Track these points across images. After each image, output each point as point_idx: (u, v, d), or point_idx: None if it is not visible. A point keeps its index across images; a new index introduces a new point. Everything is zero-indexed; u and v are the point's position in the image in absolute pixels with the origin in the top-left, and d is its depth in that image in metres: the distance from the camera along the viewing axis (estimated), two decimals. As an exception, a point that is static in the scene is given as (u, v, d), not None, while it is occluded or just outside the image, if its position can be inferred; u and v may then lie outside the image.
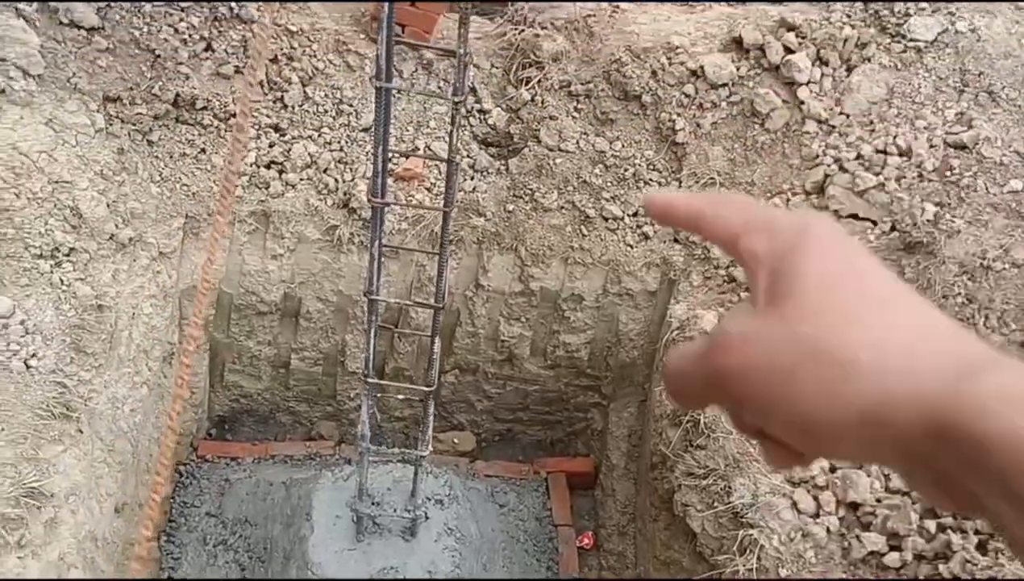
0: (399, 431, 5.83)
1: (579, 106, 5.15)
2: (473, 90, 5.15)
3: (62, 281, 4.24)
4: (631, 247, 5.16)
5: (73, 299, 4.23)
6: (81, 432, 3.98)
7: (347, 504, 4.13)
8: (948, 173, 4.51)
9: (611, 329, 5.36)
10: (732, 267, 4.89)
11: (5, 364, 3.84)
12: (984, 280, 4.12)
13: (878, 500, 3.67)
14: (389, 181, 5.18)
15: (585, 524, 5.47)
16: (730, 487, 3.95)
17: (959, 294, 4.15)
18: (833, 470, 3.82)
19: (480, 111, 5.23)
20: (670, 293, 5.09)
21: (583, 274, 5.22)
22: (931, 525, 3.48)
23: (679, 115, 5.03)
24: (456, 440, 5.79)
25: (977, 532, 3.40)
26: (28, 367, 3.90)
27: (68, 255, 4.34)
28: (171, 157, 4.90)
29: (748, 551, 3.72)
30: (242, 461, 5.28)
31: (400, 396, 4.47)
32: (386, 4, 2.52)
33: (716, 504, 3.96)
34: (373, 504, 4.18)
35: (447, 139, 4.64)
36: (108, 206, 4.56)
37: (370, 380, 3.68)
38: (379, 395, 4.17)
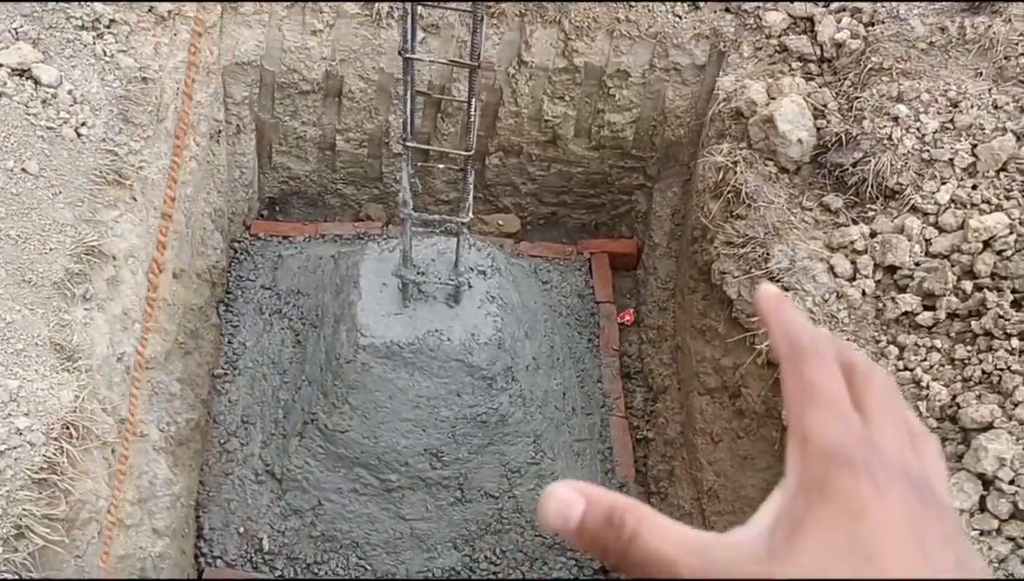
0: (446, 213, 5.91)
1: None
2: None
3: (105, 52, 4.26)
4: (680, 18, 4.96)
5: (117, 70, 4.26)
6: (135, 200, 4.12)
7: (392, 272, 4.26)
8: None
9: (657, 106, 5.25)
10: (784, 36, 4.69)
11: (57, 131, 3.93)
12: (1051, 40, 3.90)
13: (916, 263, 3.67)
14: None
15: (627, 302, 5.59)
16: (768, 254, 3.96)
17: (1022, 54, 3.95)
18: (873, 235, 3.81)
19: None
20: (719, 67, 4.93)
21: (629, 48, 5.06)
22: (968, 285, 3.48)
23: None
24: (501, 222, 5.86)
25: (1015, 290, 3.39)
26: (79, 135, 3.99)
27: (109, 27, 4.34)
28: (205, -74, 4.77)
29: (782, 313, 3.77)
30: (293, 239, 5.44)
31: (441, 165, 4.49)
32: None
33: (753, 270, 4.00)
34: (418, 274, 4.31)
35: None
36: (144, -23, 4.50)
37: (409, 143, 3.70)
38: (420, 164, 4.19)
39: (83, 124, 4.05)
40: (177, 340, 4.29)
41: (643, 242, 5.64)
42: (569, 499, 0.64)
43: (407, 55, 3.40)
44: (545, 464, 4.45)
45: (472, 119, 3.64)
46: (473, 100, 3.55)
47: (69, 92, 4.08)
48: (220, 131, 5.09)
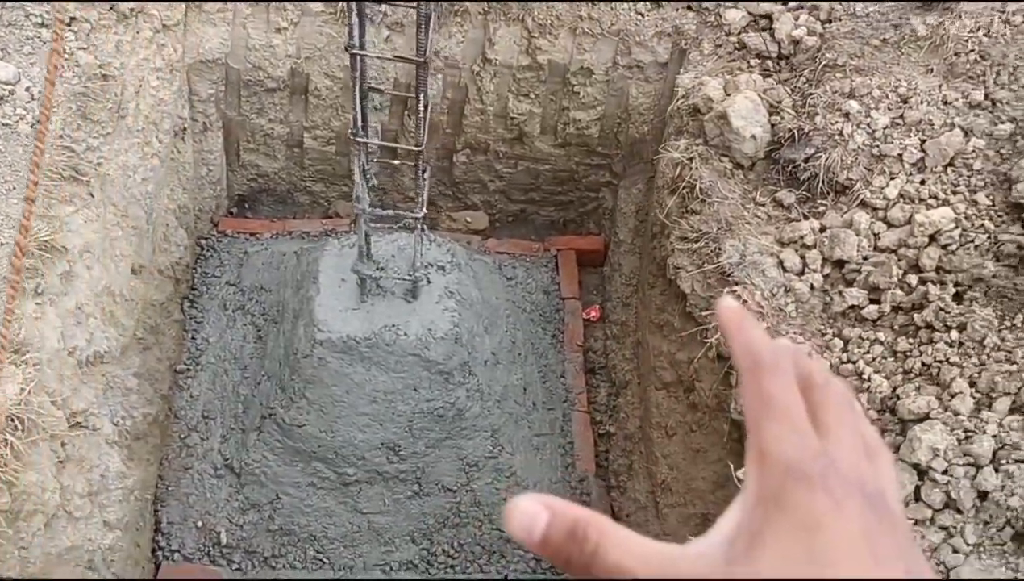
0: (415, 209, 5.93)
1: None
2: None
3: (65, 50, 4.29)
4: (642, 16, 4.99)
5: (76, 68, 4.28)
6: (92, 196, 4.14)
7: (350, 268, 4.29)
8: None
9: (621, 104, 5.28)
10: (743, 33, 4.71)
11: (13, 128, 3.96)
12: (1001, 35, 3.92)
13: (864, 258, 3.69)
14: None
15: (593, 299, 5.61)
16: (720, 249, 3.99)
17: (972, 51, 3.97)
18: (822, 230, 3.83)
19: None
20: (680, 64, 4.95)
21: (592, 46, 5.09)
22: (913, 279, 3.51)
23: None
24: (469, 219, 5.89)
25: (957, 284, 3.42)
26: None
27: (69, 24, 4.36)
28: (168, -75, 4.80)
29: (731, 307, 3.79)
30: (260, 236, 5.46)
31: (396, 161, 4.52)
32: None
33: (705, 265, 4.03)
34: (377, 269, 4.33)
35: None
36: (106, -26, 4.52)
37: (359, 139, 3.72)
38: (380, 161, 4.22)
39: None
40: (135, 335, 4.31)
41: (609, 239, 5.67)
42: (533, 511, 0.65)
43: (353, 51, 3.42)
44: (503, 458, 4.47)
45: (421, 114, 3.66)
46: (422, 96, 3.57)
47: (27, 89, 4.10)
48: (185, 129, 5.12)
